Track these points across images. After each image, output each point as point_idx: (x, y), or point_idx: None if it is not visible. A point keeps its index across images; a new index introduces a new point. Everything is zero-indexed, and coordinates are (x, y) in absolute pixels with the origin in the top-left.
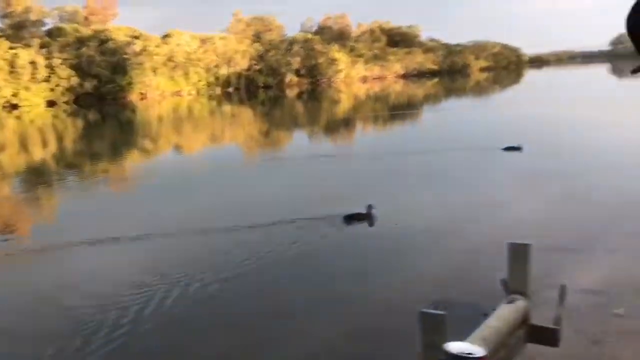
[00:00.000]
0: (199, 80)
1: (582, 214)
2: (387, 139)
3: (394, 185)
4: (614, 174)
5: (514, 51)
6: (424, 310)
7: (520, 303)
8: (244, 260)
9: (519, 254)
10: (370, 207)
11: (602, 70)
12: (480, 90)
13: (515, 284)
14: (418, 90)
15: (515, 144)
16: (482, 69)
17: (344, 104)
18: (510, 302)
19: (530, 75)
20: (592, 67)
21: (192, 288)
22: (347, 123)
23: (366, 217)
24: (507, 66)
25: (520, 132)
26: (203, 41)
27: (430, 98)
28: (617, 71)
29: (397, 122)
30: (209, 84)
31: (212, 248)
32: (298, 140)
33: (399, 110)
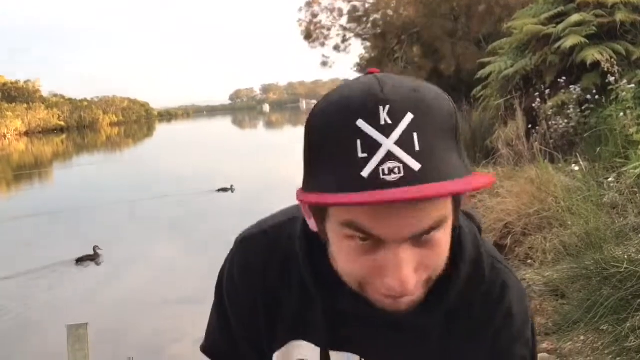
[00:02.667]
0: None
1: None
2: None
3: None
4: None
5: (143, 106)
6: None
7: None
8: None
9: (77, 335)
10: (95, 247)
11: (227, 122)
12: (113, 145)
13: None
14: (46, 147)
15: (227, 186)
16: (112, 124)
17: None
18: None
19: (163, 129)
20: (217, 120)
21: None
22: None
23: (94, 257)
24: (138, 120)
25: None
26: None
27: (65, 155)
28: (237, 123)
29: (30, 182)
30: None
31: None
32: None
33: (25, 170)
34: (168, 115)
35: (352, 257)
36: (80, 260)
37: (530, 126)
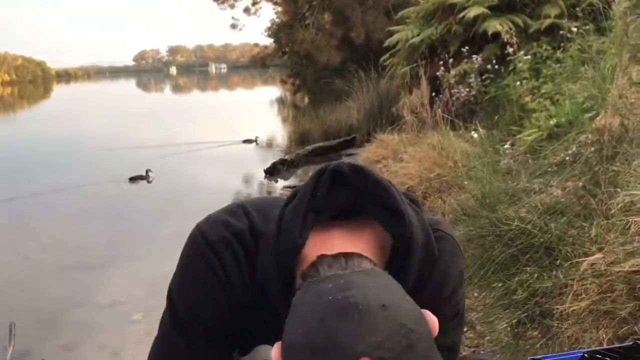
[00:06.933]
0: None
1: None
2: None
3: None
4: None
5: (39, 65)
6: None
7: None
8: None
9: None
10: (147, 170)
11: (131, 85)
12: (6, 105)
13: None
14: None
15: (251, 137)
16: (5, 83)
17: None
18: None
19: (62, 90)
20: (121, 82)
21: None
22: None
23: (145, 177)
24: (34, 80)
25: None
26: None
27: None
28: (142, 85)
29: None
30: None
31: None
32: None
33: None
34: (67, 76)
35: None
36: (133, 179)
37: (434, 94)
